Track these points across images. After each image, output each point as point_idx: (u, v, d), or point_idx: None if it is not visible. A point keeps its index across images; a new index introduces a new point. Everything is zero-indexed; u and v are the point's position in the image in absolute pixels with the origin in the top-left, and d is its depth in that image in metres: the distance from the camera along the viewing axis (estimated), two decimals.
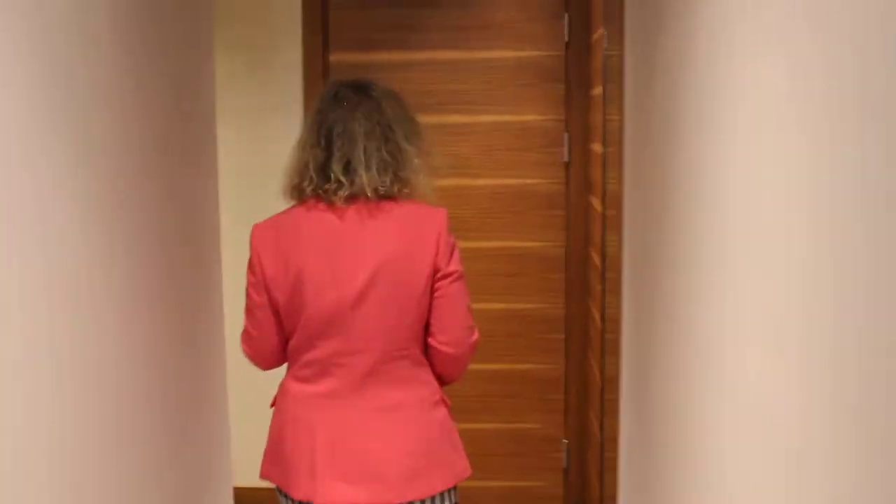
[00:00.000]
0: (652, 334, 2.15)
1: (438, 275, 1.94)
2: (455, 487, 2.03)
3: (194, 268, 2.39)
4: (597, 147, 3.21)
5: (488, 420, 3.74)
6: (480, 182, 3.66)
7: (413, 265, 1.92)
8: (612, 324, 2.84)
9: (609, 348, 2.86)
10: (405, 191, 1.99)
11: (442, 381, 2.06)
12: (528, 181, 3.66)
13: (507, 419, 3.75)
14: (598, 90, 3.22)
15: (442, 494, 1.97)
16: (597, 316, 3.29)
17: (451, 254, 1.96)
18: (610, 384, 2.85)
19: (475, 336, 2.04)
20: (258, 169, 3.58)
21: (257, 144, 3.61)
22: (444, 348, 1.97)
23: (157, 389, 2.04)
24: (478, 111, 3.64)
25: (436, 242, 1.94)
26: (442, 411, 2.02)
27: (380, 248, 1.91)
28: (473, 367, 3.66)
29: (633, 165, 2.43)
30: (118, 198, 1.82)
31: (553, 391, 3.73)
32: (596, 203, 3.26)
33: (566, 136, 3.61)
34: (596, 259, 3.27)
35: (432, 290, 1.94)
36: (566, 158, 3.62)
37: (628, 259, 2.49)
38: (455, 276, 1.96)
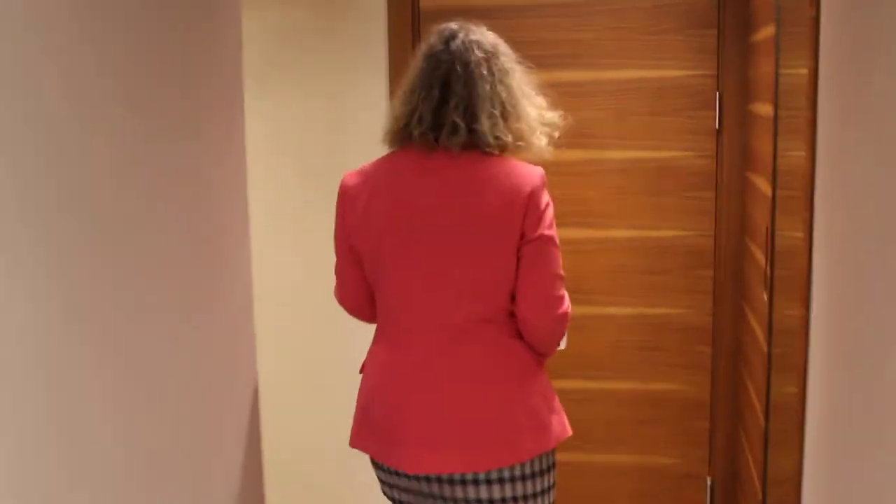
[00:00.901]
0: (870, 352, 1.45)
1: (524, 239, 1.86)
2: (551, 452, 1.96)
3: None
4: (762, 108, 2.50)
5: (615, 451, 3.09)
6: (608, 155, 2.99)
7: (500, 226, 1.85)
8: (783, 336, 2.17)
9: (780, 366, 2.19)
10: (519, 143, 1.96)
11: (535, 351, 1.97)
12: (669, 154, 2.96)
13: (638, 451, 3.09)
14: (763, 34, 2.50)
15: (534, 460, 1.91)
16: (756, 325, 2.59)
17: (541, 218, 1.86)
18: (781, 412, 2.19)
19: (562, 308, 1.91)
20: (339, 138, 3.03)
21: (338, 109, 3.05)
22: (524, 315, 1.89)
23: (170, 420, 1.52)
24: (604, 66, 2.96)
25: (525, 205, 1.85)
26: (537, 379, 1.93)
27: (469, 205, 1.86)
28: (596, 385, 3.16)
29: (835, 132, 1.72)
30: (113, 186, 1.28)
31: (696, 417, 3.04)
32: (759, 181, 2.55)
33: (717, 95, 2.89)
34: (757, 253, 2.57)
35: (519, 255, 1.87)
36: (717, 124, 2.90)
37: (824, 253, 1.78)
38: (541, 240, 1.86)
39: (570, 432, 1.97)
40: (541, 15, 2.97)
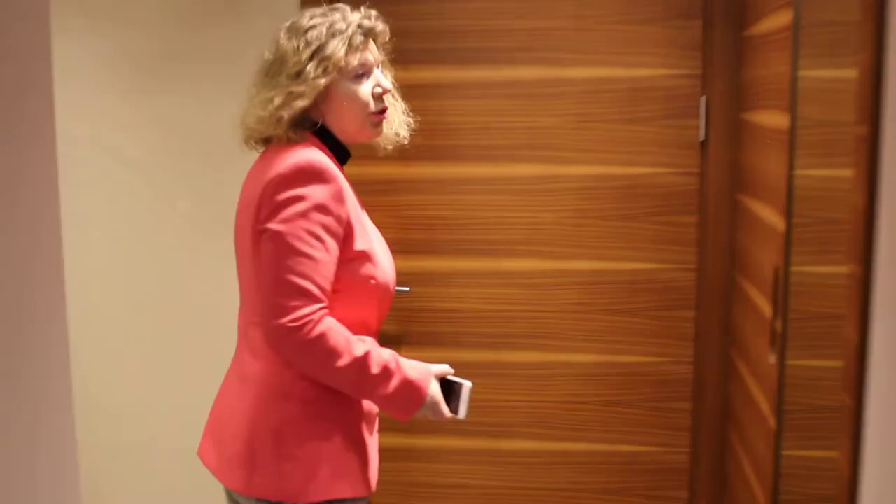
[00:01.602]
0: None
1: (259, 234, 1.72)
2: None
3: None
4: (764, 117, 2.02)
5: None
6: (568, 171, 2.49)
7: (247, 222, 1.77)
8: (796, 391, 1.71)
9: (795, 426, 1.73)
10: (250, 130, 1.82)
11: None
12: (641, 170, 2.47)
13: None
14: (766, 25, 2.03)
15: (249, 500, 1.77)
16: (750, 378, 2.13)
17: (274, 210, 1.69)
18: (793, 481, 1.74)
19: (288, 319, 1.65)
20: None
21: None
22: (260, 325, 1.73)
23: None
24: (564, 62, 2.46)
25: (261, 195, 1.72)
26: (278, 407, 1.75)
27: (240, 202, 1.83)
28: (552, 446, 2.70)
29: None
30: None
31: (672, 486, 2.56)
32: (758, 207, 2.07)
33: (702, 100, 2.41)
34: (754, 294, 2.10)
35: None
36: (702, 135, 2.43)
37: (889, 297, 1.29)
38: (267, 235, 1.69)
39: (312, 499, 1.73)
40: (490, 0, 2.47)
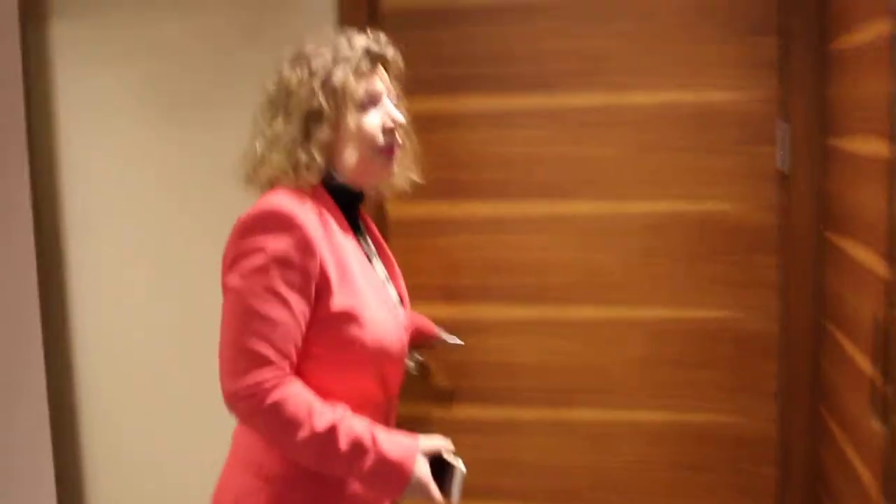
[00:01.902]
0: None
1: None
2: None
3: None
4: (857, 144, 1.76)
5: None
6: (630, 208, 2.25)
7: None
8: None
9: None
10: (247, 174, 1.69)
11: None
12: (713, 205, 2.21)
13: None
14: (856, 39, 1.77)
15: None
16: (846, 443, 1.85)
17: (231, 262, 1.54)
18: None
19: (237, 385, 1.49)
20: None
21: None
22: None
23: None
24: (626, 86, 2.22)
25: (226, 245, 1.58)
26: (248, 481, 1.61)
27: None
28: None
29: None
30: None
31: None
32: (854, 248, 1.79)
33: (783, 126, 2.15)
34: (851, 349, 1.83)
35: None
36: (782, 165, 2.17)
37: None
38: (224, 289, 1.56)
39: None
40: (538, 18, 2.23)
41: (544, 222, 2.29)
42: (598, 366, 2.31)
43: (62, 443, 2.61)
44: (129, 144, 2.50)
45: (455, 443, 2.43)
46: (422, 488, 1.60)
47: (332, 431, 1.51)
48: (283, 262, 1.50)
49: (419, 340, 2.27)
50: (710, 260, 2.22)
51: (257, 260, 1.50)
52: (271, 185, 1.63)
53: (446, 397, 2.41)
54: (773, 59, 2.13)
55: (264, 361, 1.49)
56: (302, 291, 1.52)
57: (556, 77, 2.25)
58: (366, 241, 1.78)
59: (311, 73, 1.59)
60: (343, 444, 1.52)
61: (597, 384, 2.31)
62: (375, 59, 1.65)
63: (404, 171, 1.81)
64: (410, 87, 2.32)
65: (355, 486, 1.64)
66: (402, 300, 1.82)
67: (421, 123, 2.32)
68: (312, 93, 1.58)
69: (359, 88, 1.61)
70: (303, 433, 1.50)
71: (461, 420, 2.41)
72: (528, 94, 2.27)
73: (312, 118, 1.58)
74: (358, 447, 1.53)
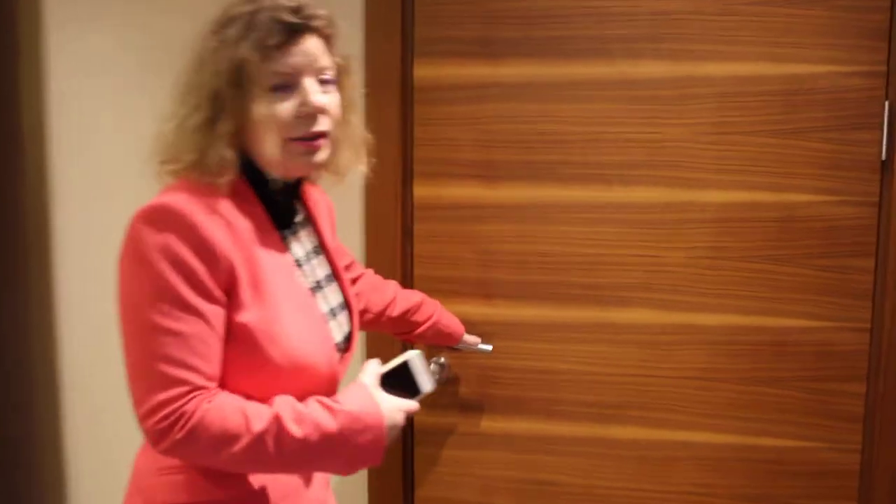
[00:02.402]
0: None
1: None
2: None
3: None
4: None
5: None
6: (701, 196, 1.95)
7: None
8: None
9: None
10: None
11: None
12: (799, 197, 1.90)
13: None
14: None
15: None
16: None
17: (125, 266, 1.33)
18: None
19: (152, 419, 1.29)
20: None
21: None
22: None
23: None
24: (702, 55, 1.91)
25: None
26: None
27: None
28: None
29: None
30: None
31: None
32: None
33: (887, 106, 1.85)
34: None
35: None
36: (884, 154, 1.87)
37: None
38: (119, 302, 1.35)
39: None
40: None
41: (598, 211, 2.00)
42: (652, 378, 2.02)
43: (45, 436, 2.34)
44: (127, 109, 2.20)
45: (483, 460, 2.17)
46: (396, 415, 1.44)
47: (276, 422, 1.32)
48: (181, 267, 1.29)
49: (440, 341, 2.00)
50: (792, 262, 1.93)
51: (149, 267, 1.29)
52: (179, 176, 1.39)
53: (473, 408, 2.12)
54: (884, 28, 1.82)
55: (175, 383, 1.29)
56: (209, 296, 1.31)
57: (619, 43, 1.94)
58: (305, 236, 1.56)
59: (218, 47, 1.35)
60: (296, 429, 1.32)
61: (650, 399, 2.02)
62: (293, 29, 1.36)
63: (346, 159, 1.54)
64: (441, 49, 2.07)
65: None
66: (347, 301, 1.60)
67: (457, 93, 2.05)
68: (216, 73, 1.34)
69: (265, 69, 1.34)
70: (243, 442, 1.30)
71: (490, 434, 2.12)
72: (584, 62, 1.96)
73: (217, 105, 1.35)
74: (313, 423, 1.34)
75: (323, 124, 1.40)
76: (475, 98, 2.03)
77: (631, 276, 2.00)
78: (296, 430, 1.32)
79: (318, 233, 1.60)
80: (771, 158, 1.91)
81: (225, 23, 1.36)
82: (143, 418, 1.31)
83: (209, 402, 1.31)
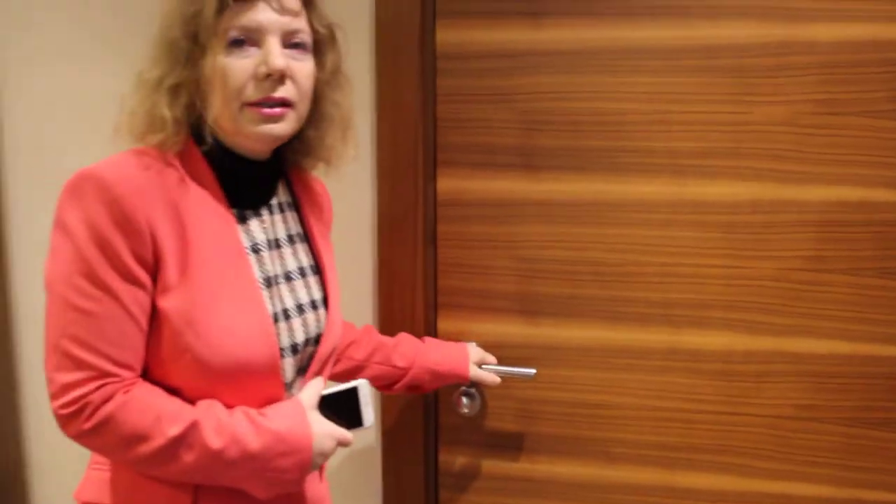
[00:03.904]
0: None
1: None
2: None
3: None
4: None
5: None
6: (799, 193, 1.60)
7: None
8: None
9: None
10: None
11: None
12: None
13: None
14: None
15: None
16: None
17: (51, 237, 1.30)
18: None
19: (58, 401, 1.26)
20: None
21: None
22: None
23: None
24: (802, 14, 1.54)
25: None
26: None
27: None
28: None
29: None
30: None
31: None
32: None
33: None
34: None
35: None
36: None
37: None
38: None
39: None
40: None
41: (668, 211, 1.66)
42: (735, 417, 1.69)
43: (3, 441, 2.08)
44: (74, 74, 1.90)
45: None
46: (329, 441, 1.35)
47: (193, 429, 1.25)
48: (99, 242, 1.24)
49: (441, 383, 1.71)
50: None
51: (70, 238, 1.25)
52: (125, 136, 1.32)
53: (510, 447, 1.81)
54: None
55: (84, 368, 1.25)
56: (127, 276, 1.24)
57: (682, 7, 1.58)
58: (280, 221, 1.44)
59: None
60: (214, 439, 1.25)
61: (732, 442, 1.70)
62: None
63: (323, 140, 1.42)
64: (469, 7, 1.72)
65: None
66: (327, 298, 1.48)
67: (489, 62, 1.71)
68: (172, 24, 1.29)
69: (224, 20, 1.27)
70: (154, 444, 1.25)
71: (530, 479, 1.81)
72: (651, 24, 1.61)
73: (172, 56, 1.29)
74: (232, 436, 1.26)
75: (285, 91, 1.29)
76: (512, 69, 1.69)
77: (709, 292, 1.66)
78: (213, 441, 1.26)
79: (302, 220, 1.49)
80: (891, 146, 1.55)
81: None
82: (51, 398, 1.27)
83: (125, 393, 1.26)
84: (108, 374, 1.25)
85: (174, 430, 1.25)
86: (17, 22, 1.91)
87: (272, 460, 1.28)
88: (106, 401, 1.25)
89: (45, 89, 1.92)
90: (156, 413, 1.26)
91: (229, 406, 1.32)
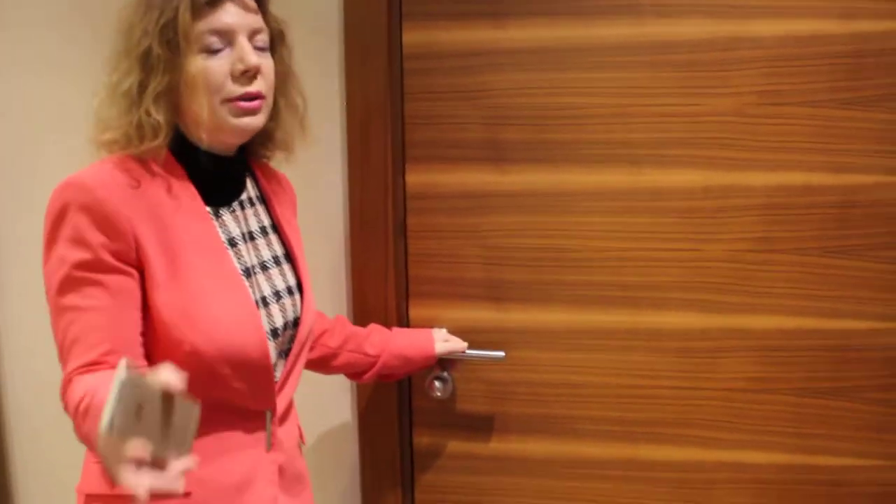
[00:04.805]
0: None
1: None
2: None
3: None
4: None
5: None
6: (748, 179, 1.72)
7: None
8: None
9: None
10: None
11: None
12: (865, 178, 1.68)
13: None
14: None
15: None
16: None
17: (44, 240, 1.38)
18: None
19: (66, 395, 1.33)
20: None
21: None
22: None
23: None
24: (748, 11, 1.67)
25: None
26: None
27: None
28: None
29: None
30: None
31: None
32: None
33: None
34: None
35: None
36: None
37: None
38: None
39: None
40: None
41: (626, 198, 1.77)
42: (692, 391, 1.81)
43: None
44: (61, 67, 1.96)
45: (496, 485, 1.97)
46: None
47: (78, 409, 1.26)
48: (80, 243, 1.31)
49: (412, 369, 1.82)
50: (856, 254, 1.71)
51: (56, 242, 1.33)
52: (111, 150, 1.40)
53: (483, 428, 1.91)
54: None
55: (65, 359, 1.34)
56: (113, 269, 1.32)
57: (646, 4, 1.71)
58: (252, 215, 1.53)
59: (148, 8, 1.36)
60: (86, 420, 1.25)
61: (689, 415, 1.82)
62: None
63: (283, 130, 1.53)
64: (435, 8, 1.82)
65: None
66: (300, 283, 1.58)
67: (455, 61, 1.81)
68: (145, 33, 1.36)
69: (198, 26, 1.35)
70: (76, 422, 1.28)
71: (503, 457, 1.92)
72: (607, 22, 1.72)
73: (149, 65, 1.36)
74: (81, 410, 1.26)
75: (258, 85, 1.40)
76: (478, 67, 1.79)
77: (665, 274, 1.78)
78: (86, 422, 1.26)
79: (270, 212, 1.57)
80: (830, 133, 1.68)
81: None
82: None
83: (84, 377, 1.29)
84: (95, 363, 1.31)
85: (74, 405, 1.28)
86: None
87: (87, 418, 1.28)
88: (66, 389, 1.32)
89: (23, 94, 1.98)
90: (82, 391, 1.28)
91: (218, 395, 1.39)
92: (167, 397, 1.09)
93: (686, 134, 1.73)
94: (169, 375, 1.08)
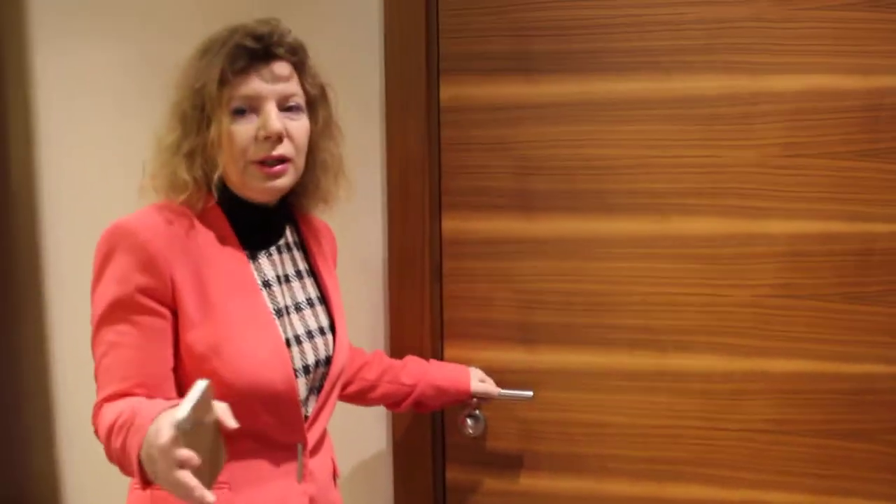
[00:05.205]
0: None
1: None
2: None
3: None
4: None
5: None
6: (769, 227, 1.80)
7: None
8: None
9: None
10: None
11: None
12: (883, 227, 1.75)
13: None
14: None
15: None
16: None
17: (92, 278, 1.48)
18: None
19: (96, 419, 1.42)
20: None
21: None
22: None
23: None
24: (768, 68, 1.76)
25: None
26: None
27: None
28: None
29: None
30: None
31: None
32: None
33: None
34: None
35: None
36: None
37: None
38: None
39: None
40: None
41: (651, 245, 1.85)
42: (715, 432, 1.87)
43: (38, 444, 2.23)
44: (116, 131, 2.09)
45: None
46: (160, 427, 1.21)
47: (112, 428, 1.33)
48: (122, 283, 1.41)
49: (446, 401, 1.89)
50: (873, 300, 1.77)
51: (101, 280, 1.43)
52: (158, 194, 1.51)
53: (513, 465, 1.98)
54: None
55: (103, 386, 1.42)
56: (149, 310, 1.41)
57: (671, 55, 1.79)
58: (288, 259, 1.61)
59: (188, 70, 1.47)
60: (109, 438, 1.33)
61: (713, 455, 1.88)
62: (255, 56, 1.45)
63: (319, 185, 1.61)
64: (470, 66, 1.94)
65: None
66: (334, 325, 1.65)
67: (488, 114, 1.91)
68: (185, 96, 1.47)
69: (225, 93, 1.44)
70: (109, 442, 1.34)
71: (532, 494, 1.99)
72: (631, 77, 1.82)
73: (185, 124, 1.47)
74: (113, 431, 1.32)
75: (283, 149, 1.47)
76: (509, 120, 1.89)
77: (689, 318, 1.85)
78: (110, 441, 1.34)
79: (309, 258, 1.65)
80: (848, 184, 1.75)
81: (203, 47, 1.47)
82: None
83: (111, 405, 1.37)
84: (124, 394, 1.39)
85: (105, 429, 1.34)
86: (61, 70, 2.12)
87: (128, 435, 1.29)
88: (94, 418, 1.41)
89: (85, 139, 2.12)
90: (112, 416, 1.33)
91: (250, 426, 1.45)
92: (216, 429, 1.19)
93: (708, 184, 1.81)
94: (227, 412, 1.17)
